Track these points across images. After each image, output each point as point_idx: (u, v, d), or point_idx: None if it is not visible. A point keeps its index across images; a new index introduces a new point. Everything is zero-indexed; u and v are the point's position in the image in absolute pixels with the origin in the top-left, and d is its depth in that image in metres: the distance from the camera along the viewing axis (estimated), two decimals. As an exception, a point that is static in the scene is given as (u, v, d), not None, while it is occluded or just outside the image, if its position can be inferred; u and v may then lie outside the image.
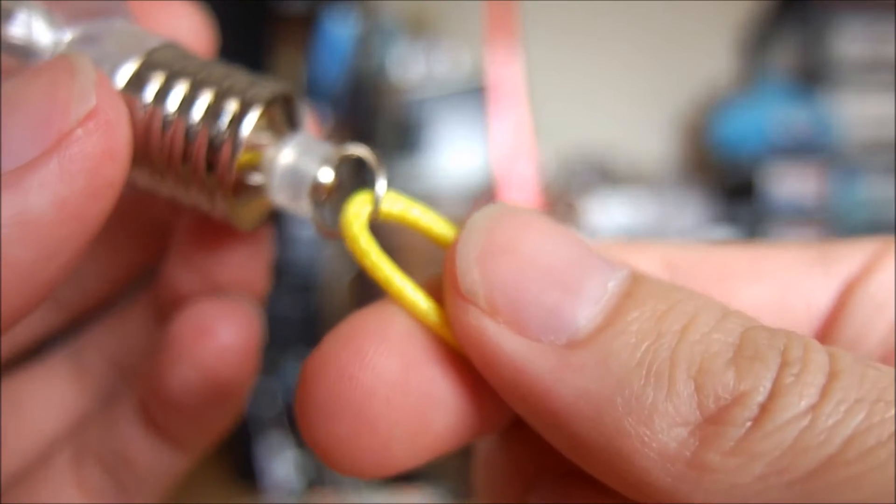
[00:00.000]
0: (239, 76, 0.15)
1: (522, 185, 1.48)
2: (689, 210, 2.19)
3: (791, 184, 1.92)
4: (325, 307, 1.56)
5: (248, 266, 0.16)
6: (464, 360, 0.11)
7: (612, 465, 0.10)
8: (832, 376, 0.09)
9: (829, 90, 1.95)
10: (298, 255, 1.65)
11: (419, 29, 2.22)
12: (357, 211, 0.15)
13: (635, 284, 0.11)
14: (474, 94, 1.92)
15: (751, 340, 0.10)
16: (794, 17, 2.07)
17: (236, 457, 1.54)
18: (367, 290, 1.68)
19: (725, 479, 0.09)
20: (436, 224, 0.15)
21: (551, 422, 0.10)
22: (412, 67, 2.10)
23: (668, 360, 0.10)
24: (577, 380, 0.10)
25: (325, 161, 0.15)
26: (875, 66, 1.94)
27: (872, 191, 1.97)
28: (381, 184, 0.15)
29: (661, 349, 0.10)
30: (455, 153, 2.02)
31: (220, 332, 0.15)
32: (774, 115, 1.92)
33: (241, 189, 0.15)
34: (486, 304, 0.11)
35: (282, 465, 1.36)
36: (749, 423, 0.09)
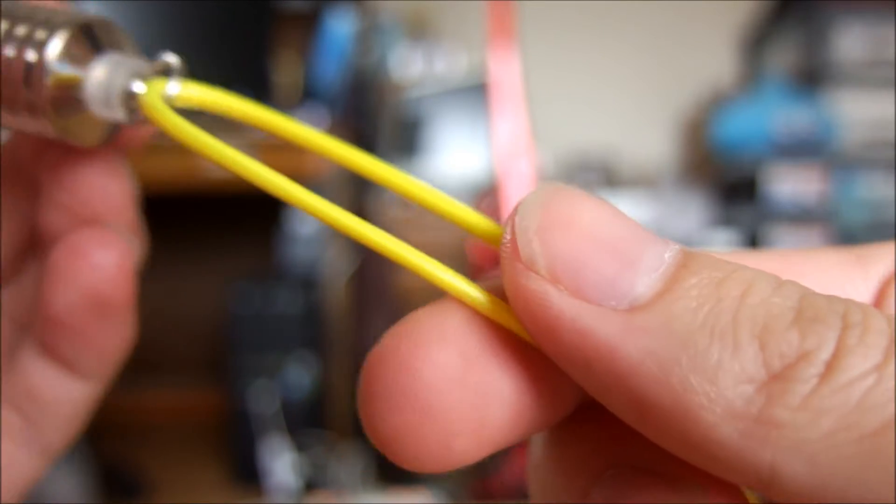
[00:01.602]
0: (61, 12, 0.17)
1: (522, 184, 1.48)
2: (690, 210, 2.19)
3: (792, 183, 1.92)
4: (326, 306, 1.56)
5: (108, 196, 0.18)
6: (520, 355, 0.12)
7: (678, 424, 0.10)
8: (893, 339, 0.10)
9: (829, 90, 1.95)
10: (298, 254, 1.65)
11: (419, 28, 2.23)
12: (156, 89, 0.17)
13: (689, 256, 0.11)
14: (474, 91, 1.92)
15: (810, 305, 0.10)
16: (794, 17, 2.07)
17: (236, 457, 1.55)
18: (365, 288, 1.68)
19: (794, 434, 0.09)
20: (236, 106, 0.17)
21: (616, 383, 0.10)
22: (412, 66, 2.11)
23: (731, 322, 0.10)
24: (642, 341, 0.10)
25: (136, 73, 0.17)
26: (875, 66, 1.94)
27: (872, 191, 1.97)
28: (174, 62, 0.17)
29: (722, 312, 0.10)
30: (455, 151, 2.03)
31: (93, 254, 0.17)
32: (775, 116, 1.92)
33: (64, 104, 0.17)
34: (547, 272, 0.11)
35: (281, 465, 1.37)
36: (815, 380, 0.10)
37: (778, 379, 0.10)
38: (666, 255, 0.11)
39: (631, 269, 0.11)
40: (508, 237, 0.11)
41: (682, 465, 0.11)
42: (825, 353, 0.10)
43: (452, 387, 0.11)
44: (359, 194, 1.68)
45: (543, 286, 0.11)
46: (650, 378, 0.10)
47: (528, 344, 0.12)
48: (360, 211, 1.77)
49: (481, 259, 1.74)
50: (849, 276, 0.14)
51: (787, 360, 0.10)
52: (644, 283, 0.11)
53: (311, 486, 1.36)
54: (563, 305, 0.11)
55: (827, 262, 0.14)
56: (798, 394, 0.10)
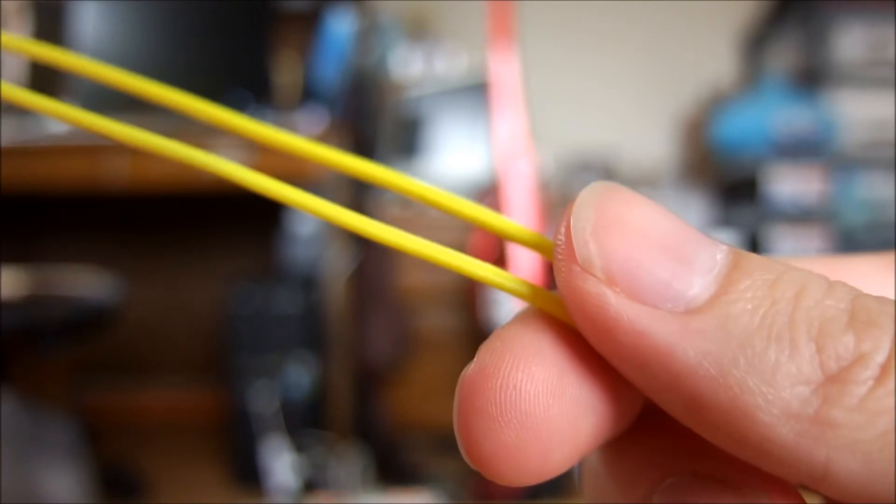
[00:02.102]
0: None
1: (522, 183, 1.48)
2: (690, 210, 2.19)
3: (792, 183, 1.92)
4: (326, 305, 1.56)
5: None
6: (598, 364, 0.12)
7: (734, 424, 0.10)
8: None
9: (829, 90, 1.95)
10: (298, 254, 1.65)
11: (419, 28, 2.23)
12: None
13: (739, 257, 0.11)
14: (474, 91, 1.92)
15: (862, 307, 0.10)
16: (794, 17, 2.07)
17: (236, 457, 1.55)
18: (365, 288, 1.68)
19: (849, 434, 0.10)
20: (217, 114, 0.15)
21: (673, 384, 0.11)
22: (412, 66, 2.11)
23: (787, 324, 0.10)
24: (699, 343, 0.10)
25: None
26: (875, 66, 1.94)
27: (872, 191, 1.97)
28: None
29: (778, 314, 0.10)
30: (455, 151, 2.02)
31: None
32: (775, 116, 1.92)
33: None
34: (603, 274, 0.11)
35: (281, 465, 1.36)
36: (871, 382, 0.10)
37: (834, 381, 0.10)
38: (718, 256, 0.11)
39: (686, 270, 0.11)
40: (563, 239, 0.12)
41: (741, 471, 0.12)
42: (880, 357, 0.10)
43: (552, 401, 0.11)
44: (359, 194, 1.68)
45: (601, 289, 0.11)
46: (707, 379, 0.10)
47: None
48: (360, 211, 1.76)
49: (482, 258, 1.73)
50: (885, 281, 0.14)
51: (843, 362, 0.10)
52: (699, 284, 0.11)
53: (311, 486, 1.36)
54: (621, 308, 0.11)
55: (867, 267, 0.14)
56: (854, 395, 0.10)
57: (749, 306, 0.11)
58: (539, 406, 0.11)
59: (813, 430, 0.10)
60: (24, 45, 0.15)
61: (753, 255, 0.11)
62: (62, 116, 0.14)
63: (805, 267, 0.12)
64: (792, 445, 0.10)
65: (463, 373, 0.12)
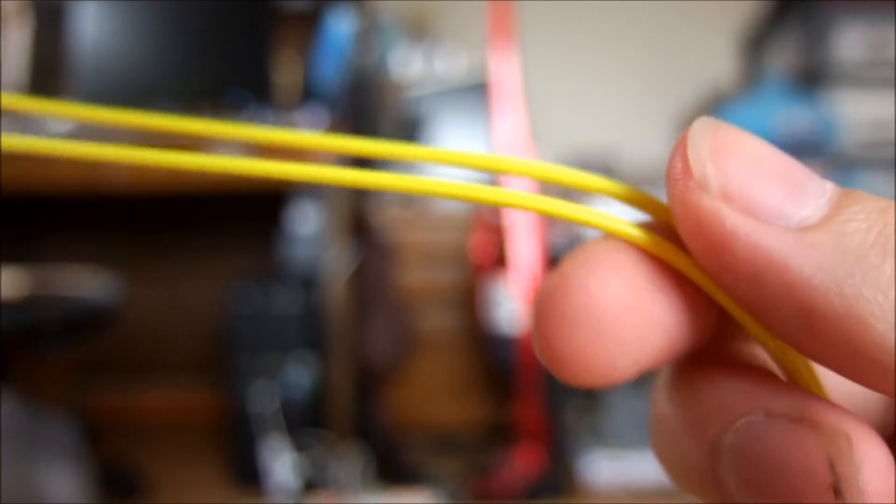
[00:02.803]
0: None
1: (522, 183, 1.48)
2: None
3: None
4: (326, 306, 1.56)
5: None
6: (673, 287, 0.13)
7: (847, 333, 0.11)
8: None
9: (829, 90, 1.95)
10: (298, 254, 1.65)
11: (419, 28, 2.23)
12: None
13: (846, 190, 0.12)
14: (474, 91, 1.93)
15: None
16: (794, 17, 2.07)
17: (236, 457, 1.55)
18: (365, 288, 1.68)
19: None
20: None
21: (786, 297, 0.11)
22: (412, 66, 2.11)
23: None
24: (815, 256, 0.11)
25: None
26: (875, 66, 1.94)
27: (872, 191, 1.96)
28: None
29: (891, 234, 0.11)
30: (455, 150, 2.02)
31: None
32: (775, 116, 1.92)
33: None
34: (719, 192, 0.12)
35: (281, 465, 1.37)
36: None
37: None
38: (827, 186, 0.12)
39: (799, 192, 0.12)
40: (679, 163, 0.12)
41: (818, 409, 0.12)
42: None
43: (623, 311, 0.12)
44: (358, 195, 1.68)
45: (717, 204, 0.12)
46: (823, 289, 0.11)
47: (680, 277, 0.13)
48: (360, 210, 1.77)
49: (482, 258, 1.74)
50: None
51: None
52: (812, 206, 0.12)
53: (311, 486, 1.36)
54: (737, 222, 0.12)
55: None
56: None
57: (864, 226, 0.11)
58: (611, 315, 0.12)
59: None
60: (20, 102, 0.15)
61: (858, 190, 0.12)
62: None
63: None
64: None
65: (546, 277, 0.13)
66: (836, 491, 0.11)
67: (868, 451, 0.11)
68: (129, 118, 0.15)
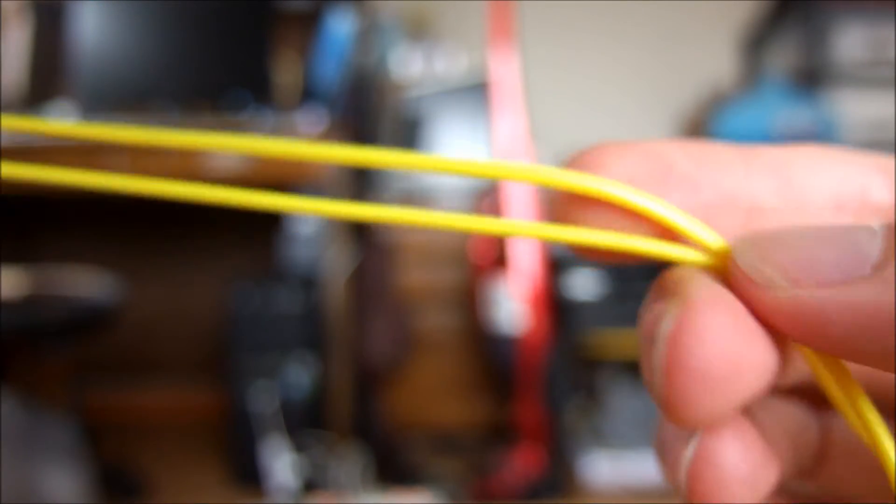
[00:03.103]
0: None
1: (521, 185, 1.48)
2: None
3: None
4: (326, 306, 1.56)
5: None
6: (768, 333, 0.13)
7: None
8: None
9: (829, 90, 1.95)
10: (298, 254, 1.65)
11: (419, 28, 2.23)
12: None
13: (887, 223, 0.12)
14: (474, 91, 1.92)
15: None
16: (794, 17, 2.07)
17: (236, 457, 1.55)
18: (365, 288, 1.68)
19: None
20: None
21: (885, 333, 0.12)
22: (412, 66, 2.11)
23: None
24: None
25: None
26: (875, 66, 1.94)
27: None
28: None
29: None
30: (455, 151, 2.02)
31: None
32: (775, 116, 1.92)
33: None
34: (785, 281, 0.12)
35: (281, 465, 1.37)
36: None
37: None
38: (875, 225, 0.12)
39: (848, 242, 0.12)
40: (739, 276, 0.13)
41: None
42: None
43: (744, 365, 0.12)
44: (358, 195, 1.68)
45: (792, 291, 0.12)
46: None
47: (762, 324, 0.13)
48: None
49: (482, 258, 1.74)
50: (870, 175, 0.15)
51: None
52: (866, 245, 0.12)
53: (311, 486, 1.36)
54: (816, 293, 0.12)
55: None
56: None
57: None
58: (735, 369, 0.12)
59: None
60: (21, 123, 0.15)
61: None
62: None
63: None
64: None
65: (663, 325, 0.13)
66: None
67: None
68: (124, 134, 0.15)
